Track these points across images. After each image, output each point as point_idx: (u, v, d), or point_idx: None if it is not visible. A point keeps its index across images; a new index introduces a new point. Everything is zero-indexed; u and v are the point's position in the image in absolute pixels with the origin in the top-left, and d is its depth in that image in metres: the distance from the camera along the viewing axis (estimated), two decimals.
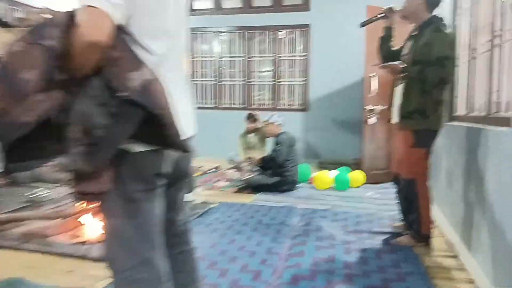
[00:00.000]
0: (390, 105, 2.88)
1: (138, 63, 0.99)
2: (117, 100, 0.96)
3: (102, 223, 1.15)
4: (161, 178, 1.16)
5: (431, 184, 2.73)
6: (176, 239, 1.35)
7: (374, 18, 2.90)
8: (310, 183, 4.89)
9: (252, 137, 5.78)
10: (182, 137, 1.08)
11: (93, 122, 0.95)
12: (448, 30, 2.63)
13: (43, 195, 3.66)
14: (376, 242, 2.81)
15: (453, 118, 3.38)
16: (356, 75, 6.05)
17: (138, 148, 1.06)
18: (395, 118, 2.78)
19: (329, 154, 6.53)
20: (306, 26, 6.81)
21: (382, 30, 2.95)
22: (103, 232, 1.15)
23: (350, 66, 6.25)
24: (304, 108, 6.93)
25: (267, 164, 4.62)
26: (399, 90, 2.73)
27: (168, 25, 1.12)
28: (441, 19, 2.67)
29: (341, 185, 4.59)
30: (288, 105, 7.13)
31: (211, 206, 3.71)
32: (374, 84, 4.82)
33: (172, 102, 1.04)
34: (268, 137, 5.44)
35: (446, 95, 2.66)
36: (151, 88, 0.98)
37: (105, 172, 1.02)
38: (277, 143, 4.49)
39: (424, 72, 2.51)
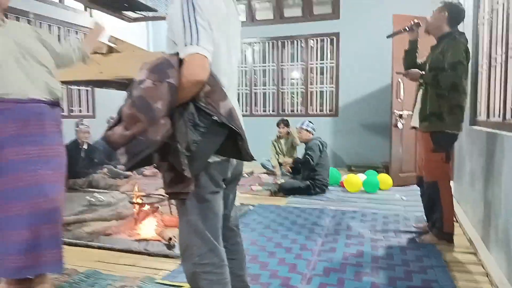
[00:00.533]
0: (413, 110, 3.12)
1: (224, 95, 1.34)
2: (205, 122, 1.29)
3: (177, 218, 1.50)
4: (225, 181, 1.50)
5: (456, 185, 2.92)
6: (230, 232, 1.67)
7: (400, 30, 3.12)
8: (341, 186, 5.15)
9: (283, 143, 6.09)
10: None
11: (189, 139, 1.27)
12: (463, 39, 2.83)
13: (100, 199, 4.12)
14: (402, 239, 3.05)
15: (475, 122, 3.56)
16: (383, 81, 6.26)
17: (213, 158, 1.39)
18: (414, 122, 3.04)
19: (358, 157, 6.75)
20: (336, 34, 7.06)
21: (408, 43, 3.15)
22: (179, 225, 1.50)
23: (378, 72, 6.47)
24: (333, 113, 7.19)
25: (300, 167, 4.90)
26: (419, 96, 2.99)
27: (231, 64, 1.47)
28: (460, 32, 2.89)
29: (370, 187, 4.82)
30: (319, 110, 7.39)
31: (248, 208, 4.04)
32: (402, 90, 5.02)
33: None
34: (297, 144, 5.76)
35: (464, 100, 2.86)
36: (233, 113, 1.34)
37: (191, 177, 1.34)
38: (309, 148, 4.76)
39: (437, 77, 2.75)
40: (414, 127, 3.13)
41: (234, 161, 1.52)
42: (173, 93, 1.24)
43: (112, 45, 3.23)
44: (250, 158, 1.44)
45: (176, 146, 1.27)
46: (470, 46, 3.60)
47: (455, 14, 2.86)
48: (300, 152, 5.41)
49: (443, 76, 2.73)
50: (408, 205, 4.18)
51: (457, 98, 2.80)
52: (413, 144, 5.11)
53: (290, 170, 5.32)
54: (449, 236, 2.92)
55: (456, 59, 2.71)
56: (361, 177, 5.01)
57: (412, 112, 3.14)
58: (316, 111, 7.41)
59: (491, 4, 3.18)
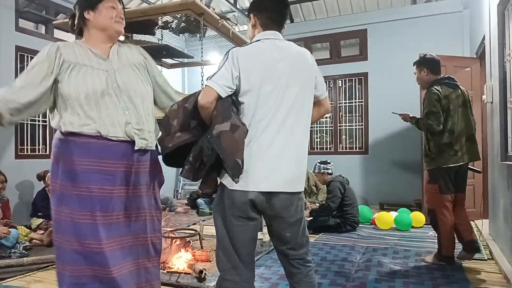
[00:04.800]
0: None
1: (224, 119, 1.51)
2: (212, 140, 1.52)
3: (208, 253, 1.64)
4: (254, 212, 1.59)
5: (491, 222, 2.84)
6: (293, 269, 1.71)
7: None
8: (372, 223, 5.09)
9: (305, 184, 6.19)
10: (267, 187, 1.55)
11: (205, 153, 1.52)
12: (437, 88, 3.16)
13: None
14: (435, 275, 2.99)
15: (507, 158, 3.52)
16: None
17: (232, 186, 1.56)
18: None
19: (390, 195, 6.65)
20: (364, 74, 7.21)
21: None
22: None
23: (406, 110, 6.42)
24: (363, 151, 7.19)
25: (324, 212, 4.77)
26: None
27: (274, 101, 1.59)
28: (440, 80, 3.25)
29: (402, 225, 4.74)
30: (348, 148, 7.43)
31: None
32: None
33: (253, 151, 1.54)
34: (320, 188, 5.86)
35: (453, 137, 3.13)
36: (222, 136, 1.48)
37: (211, 182, 1.61)
38: (329, 192, 4.74)
39: (419, 123, 3.25)
40: None
41: (260, 196, 1.55)
42: (186, 113, 1.61)
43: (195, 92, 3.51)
44: (232, 176, 1.48)
45: (189, 155, 1.57)
46: (496, 83, 3.66)
47: (432, 65, 3.31)
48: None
49: (421, 124, 3.21)
50: None
51: (444, 139, 3.14)
52: None
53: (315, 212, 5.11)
54: (447, 259, 3.19)
55: (428, 110, 3.14)
56: (393, 214, 4.94)
57: None
58: (346, 148, 7.44)
59: None
